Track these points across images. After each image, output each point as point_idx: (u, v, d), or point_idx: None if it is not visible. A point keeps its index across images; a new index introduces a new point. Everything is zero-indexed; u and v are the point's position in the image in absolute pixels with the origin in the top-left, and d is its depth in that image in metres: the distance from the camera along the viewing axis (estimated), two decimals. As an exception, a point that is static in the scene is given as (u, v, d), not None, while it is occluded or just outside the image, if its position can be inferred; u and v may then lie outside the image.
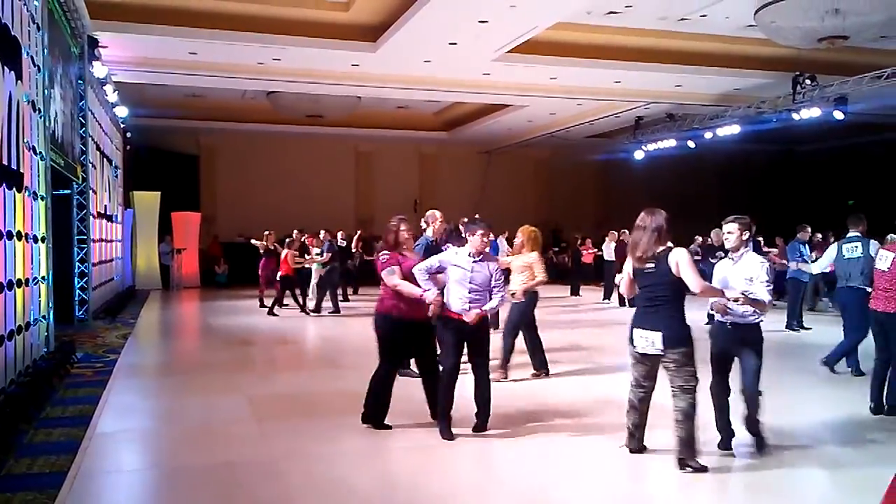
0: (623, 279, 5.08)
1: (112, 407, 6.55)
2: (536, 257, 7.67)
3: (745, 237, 5.22)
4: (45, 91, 8.81)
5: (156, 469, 5.11)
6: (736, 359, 5.24)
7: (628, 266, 4.98)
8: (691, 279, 4.66)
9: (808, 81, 14.36)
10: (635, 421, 5.10)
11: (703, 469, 4.76)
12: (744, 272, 5.12)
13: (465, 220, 8.81)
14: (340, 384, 7.64)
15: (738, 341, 5.16)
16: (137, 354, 9.62)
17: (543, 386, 7.53)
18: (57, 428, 5.74)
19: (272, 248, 14.90)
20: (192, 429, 5.96)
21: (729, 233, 5.21)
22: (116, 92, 15.21)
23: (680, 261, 4.66)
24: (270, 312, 13.65)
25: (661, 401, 6.58)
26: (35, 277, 7.80)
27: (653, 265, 4.75)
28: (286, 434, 5.70)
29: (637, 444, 5.15)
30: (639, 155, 21.23)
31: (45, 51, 8.83)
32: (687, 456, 4.77)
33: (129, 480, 4.86)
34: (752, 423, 5.23)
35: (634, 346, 4.88)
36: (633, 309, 5.04)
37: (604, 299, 16.61)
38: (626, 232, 14.80)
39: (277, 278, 13.98)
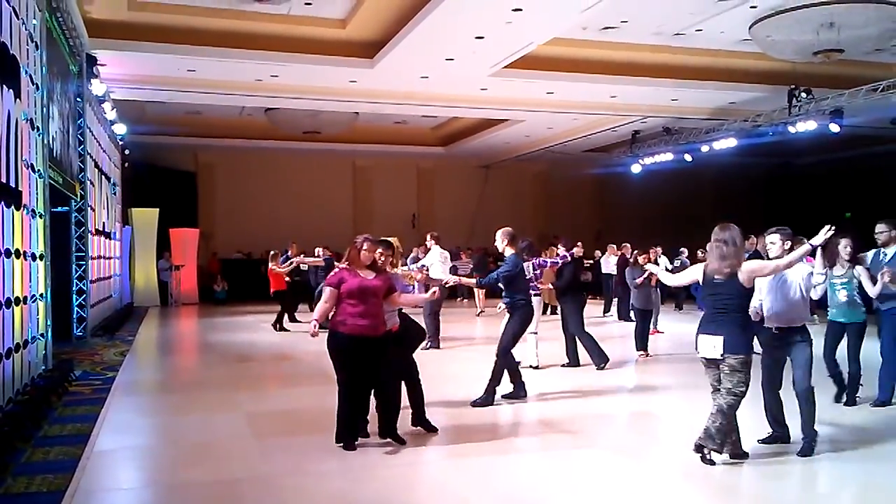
0: (684, 279, 5.58)
1: (110, 425, 6.52)
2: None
3: (786, 247, 5.43)
4: (44, 109, 8.83)
5: (154, 487, 5.08)
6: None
7: (697, 272, 5.28)
8: (773, 265, 5.22)
9: (803, 95, 14.41)
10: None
11: (711, 462, 4.99)
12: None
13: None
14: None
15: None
16: (136, 372, 9.59)
17: (539, 401, 7.50)
18: (55, 446, 5.70)
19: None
20: (190, 446, 5.93)
21: (771, 243, 5.47)
22: (115, 109, 15.26)
23: (752, 268, 5.07)
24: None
25: (667, 414, 6.58)
26: (33, 295, 7.79)
27: (723, 277, 5.03)
28: (285, 451, 5.66)
29: (734, 447, 5.12)
30: (636, 168, 21.28)
31: (44, 69, 8.87)
32: (706, 444, 4.98)
33: (127, 498, 4.84)
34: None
35: (699, 352, 5.14)
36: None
37: (604, 313, 16.59)
38: (628, 246, 14.67)
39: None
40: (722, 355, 4.96)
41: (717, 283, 5.08)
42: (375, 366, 5.60)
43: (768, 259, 5.53)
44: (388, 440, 5.68)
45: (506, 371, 7.28)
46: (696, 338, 5.16)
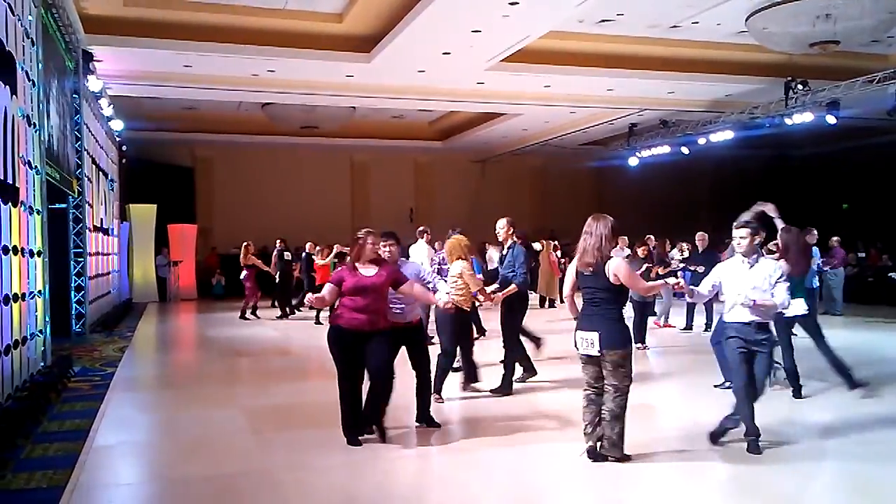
0: (567, 284, 5.25)
1: (110, 420, 6.54)
2: (463, 266, 7.16)
3: (755, 241, 5.34)
4: (41, 105, 8.83)
5: (154, 482, 5.11)
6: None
7: (572, 270, 5.17)
8: (634, 286, 5.08)
9: (800, 86, 14.40)
10: (587, 419, 5.11)
11: (626, 458, 5.00)
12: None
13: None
14: (336, 394, 7.62)
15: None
16: (135, 367, 9.61)
17: (535, 395, 7.50)
18: (54, 442, 5.73)
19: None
20: (189, 441, 5.96)
21: (741, 238, 5.30)
22: (111, 105, 15.24)
23: (619, 273, 4.88)
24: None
25: (665, 406, 6.59)
26: (32, 292, 7.80)
27: (592, 269, 4.95)
28: (283, 445, 5.70)
29: (590, 442, 5.08)
30: (633, 161, 21.28)
31: (40, 65, 8.86)
32: (613, 453, 4.98)
33: (127, 494, 4.86)
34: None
35: (577, 349, 5.06)
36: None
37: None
38: (651, 237, 14.01)
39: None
40: (600, 352, 4.89)
41: (586, 276, 5.00)
42: (373, 357, 5.52)
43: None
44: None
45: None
46: (574, 334, 5.06)
